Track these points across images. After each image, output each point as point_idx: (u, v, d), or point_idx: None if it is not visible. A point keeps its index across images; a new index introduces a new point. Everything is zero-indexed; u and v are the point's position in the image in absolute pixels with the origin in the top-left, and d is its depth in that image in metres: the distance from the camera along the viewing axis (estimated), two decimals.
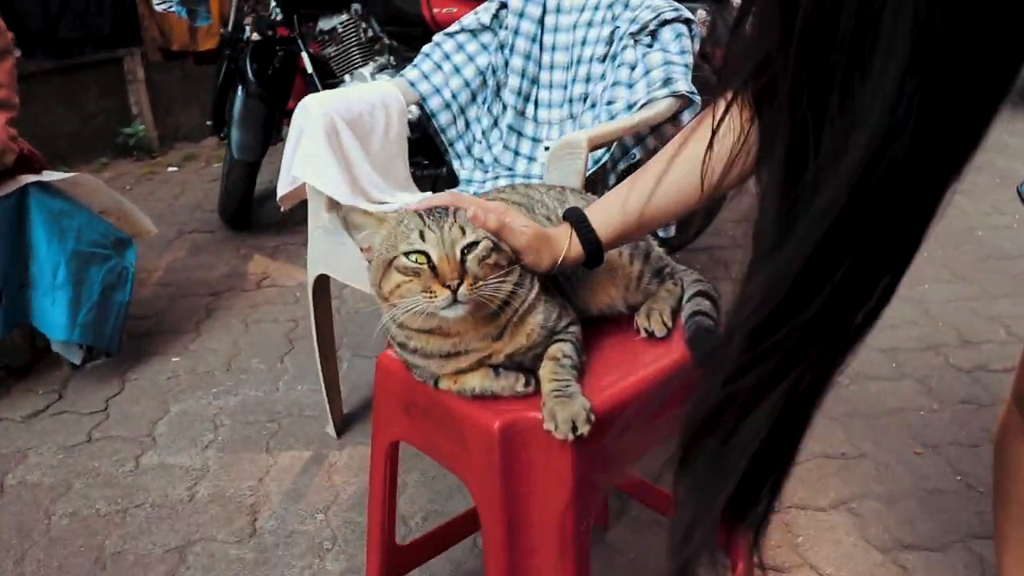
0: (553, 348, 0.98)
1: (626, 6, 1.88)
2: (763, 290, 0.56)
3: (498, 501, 0.96)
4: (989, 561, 1.54)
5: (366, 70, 2.88)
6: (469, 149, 2.09)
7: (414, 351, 0.98)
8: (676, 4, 1.79)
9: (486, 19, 2.03)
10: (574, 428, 0.91)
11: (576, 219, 0.99)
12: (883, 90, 0.44)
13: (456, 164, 2.10)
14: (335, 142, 1.81)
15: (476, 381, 0.97)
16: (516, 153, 2.05)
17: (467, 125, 2.08)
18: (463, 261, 0.89)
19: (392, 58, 2.89)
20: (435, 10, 2.69)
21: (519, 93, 2.01)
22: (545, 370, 0.97)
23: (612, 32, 1.87)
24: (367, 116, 1.90)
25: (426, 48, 2.07)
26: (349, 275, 1.72)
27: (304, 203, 1.92)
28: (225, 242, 3.29)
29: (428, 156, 2.62)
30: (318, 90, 2.99)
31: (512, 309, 0.94)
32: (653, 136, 1.72)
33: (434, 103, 2.03)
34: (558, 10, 1.99)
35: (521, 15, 1.99)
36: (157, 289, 2.84)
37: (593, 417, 0.92)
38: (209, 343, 2.49)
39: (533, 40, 2.00)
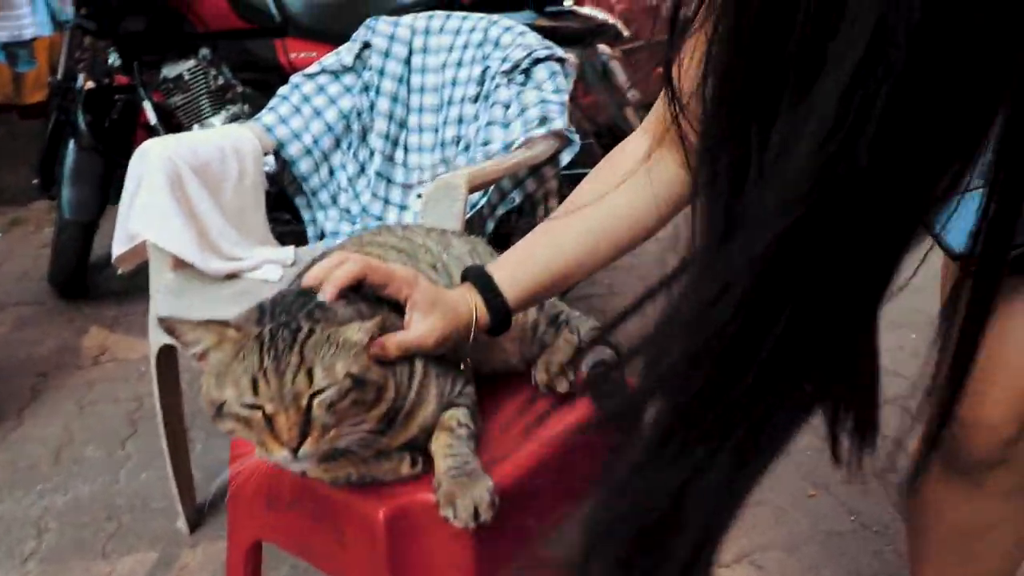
0: (446, 416, 0.84)
1: (496, 45, 1.80)
2: (691, 338, 0.46)
3: None
4: None
5: (217, 119, 2.67)
6: (334, 199, 1.93)
7: None
8: (548, 43, 1.73)
9: (348, 60, 1.90)
10: (476, 514, 0.76)
11: (481, 282, 0.86)
12: (838, 81, 0.38)
13: (320, 216, 1.94)
14: (179, 192, 1.61)
15: (352, 467, 0.81)
16: (386, 201, 1.90)
17: (331, 173, 1.92)
18: (308, 409, 0.72)
19: (246, 107, 2.70)
20: (292, 56, 2.53)
21: (387, 137, 1.88)
22: (438, 443, 0.82)
23: (483, 71, 1.78)
24: (217, 163, 1.71)
25: (282, 90, 1.91)
26: None
27: (147, 265, 1.70)
28: (56, 314, 2.93)
29: (289, 210, 2.44)
30: None
31: (395, 410, 0.79)
32: (532, 179, 1.64)
33: (293, 149, 1.86)
34: (425, 51, 1.89)
35: (387, 55, 1.88)
36: None
37: (497, 500, 0.78)
38: (34, 431, 2.16)
39: (400, 81, 1.89)
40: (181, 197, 1.61)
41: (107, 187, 2.86)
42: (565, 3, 2.36)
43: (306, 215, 1.98)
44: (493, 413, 0.93)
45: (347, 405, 0.73)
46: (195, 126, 2.70)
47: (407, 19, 1.92)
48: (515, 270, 0.87)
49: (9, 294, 3.08)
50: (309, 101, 1.89)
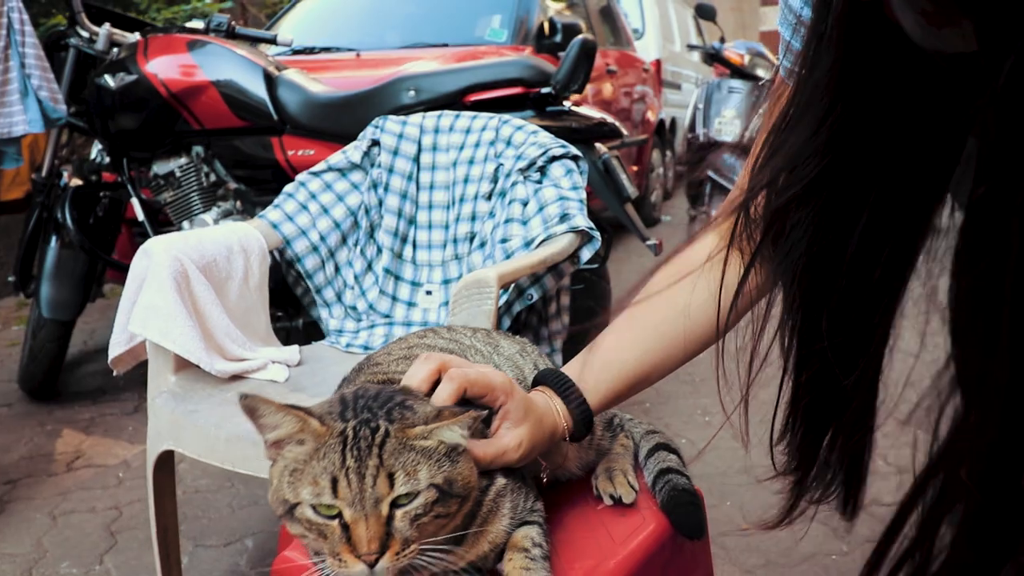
0: (519, 535, 0.77)
1: (508, 143, 1.80)
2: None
3: None
4: None
5: (208, 216, 2.63)
6: (339, 296, 1.88)
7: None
8: (562, 141, 1.73)
9: (356, 157, 1.89)
10: None
11: (563, 389, 0.81)
12: None
13: (324, 313, 1.88)
14: (185, 291, 1.55)
15: None
16: (394, 299, 1.86)
17: (337, 270, 1.88)
18: (389, 520, 0.66)
19: (239, 203, 2.67)
20: (290, 153, 2.53)
21: (396, 234, 1.85)
22: (513, 565, 0.75)
23: (496, 169, 1.78)
24: (223, 261, 1.66)
25: (289, 188, 1.88)
26: (203, 450, 1.41)
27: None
28: (26, 417, 2.78)
29: (281, 307, 2.39)
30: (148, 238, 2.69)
31: (467, 523, 0.72)
32: (551, 275, 1.61)
33: (299, 246, 1.82)
34: (434, 148, 1.89)
35: (395, 153, 1.87)
36: None
37: None
38: (3, 546, 1.99)
39: (409, 179, 1.87)
40: (186, 296, 1.55)
41: (88, 286, 2.79)
42: (565, 104, 2.40)
43: (311, 307, 1.93)
44: (560, 528, 0.86)
45: (430, 519, 0.68)
46: (185, 223, 2.66)
47: (415, 118, 1.93)
48: (596, 375, 0.83)
49: None
50: (316, 198, 1.86)
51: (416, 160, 1.89)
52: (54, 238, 2.71)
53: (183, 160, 2.66)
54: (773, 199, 0.62)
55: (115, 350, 1.61)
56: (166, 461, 1.54)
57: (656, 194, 6.83)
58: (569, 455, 0.93)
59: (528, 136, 1.78)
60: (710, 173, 5.37)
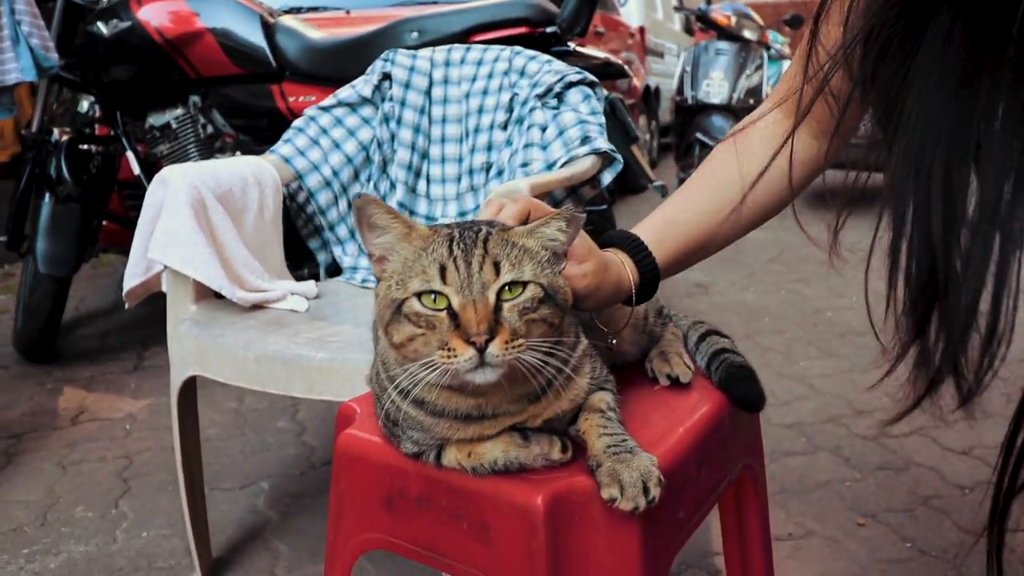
0: (595, 399, 0.77)
1: (522, 74, 1.79)
2: None
3: None
4: None
5: None
6: (352, 233, 1.86)
7: (421, 403, 0.72)
8: (577, 68, 1.72)
9: (367, 92, 1.86)
10: (645, 491, 0.69)
11: (629, 244, 0.83)
12: None
13: (338, 250, 1.86)
14: (203, 219, 1.52)
15: (499, 451, 0.73)
16: None
17: (350, 205, 1.86)
18: (497, 309, 0.67)
19: (238, 153, 2.63)
20: (291, 100, 2.49)
21: (410, 168, 1.84)
22: (590, 423, 0.75)
23: (511, 99, 1.76)
24: (239, 192, 1.64)
25: (298, 123, 1.86)
26: (232, 372, 1.40)
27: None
28: (24, 378, 2.73)
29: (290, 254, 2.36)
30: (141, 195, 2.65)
31: (557, 371, 0.72)
32: (571, 199, 1.60)
33: (312, 181, 1.80)
34: (446, 82, 1.87)
35: (407, 86, 1.85)
36: None
37: (663, 478, 0.70)
38: (14, 494, 1.97)
39: (421, 112, 1.86)
40: (204, 225, 1.53)
41: (85, 242, 2.74)
42: (569, 45, 2.39)
43: (320, 251, 1.91)
44: (623, 405, 0.86)
45: (535, 317, 0.68)
46: None
47: (426, 52, 1.90)
48: (662, 234, 0.83)
49: None
50: (327, 133, 1.84)
51: (428, 93, 1.87)
52: (47, 194, 2.65)
53: (179, 111, 2.62)
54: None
55: (130, 281, 1.59)
56: (189, 392, 1.53)
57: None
58: (624, 336, 0.93)
59: (543, 65, 1.77)
60: (698, 135, 5.38)
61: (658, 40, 8.61)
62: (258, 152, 2.54)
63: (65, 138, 2.69)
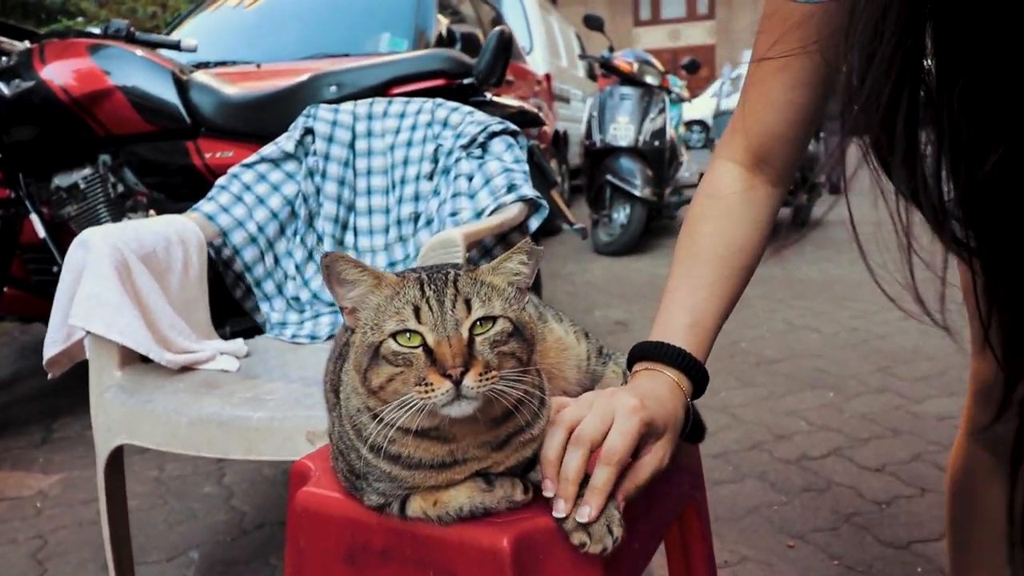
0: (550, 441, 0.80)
1: (445, 125, 1.84)
2: None
3: None
4: None
5: None
6: (280, 288, 1.85)
7: (395, 458, 0.73)
8: (499, 118, 1.78)
9: (289, 147, 1.87)
10: (610, 531, 0.72)
11: (679, 360, 0.86)
12: None
13: (265, 306, 1.85)
14: (127, 281, 1.49)
15: (465, 497, 0.75)
16: None
17: (276, 261, 1.85)
18: (470, 343, 0.70)
19: (152, 212, 2.57)
20: (207, 156, 2.47)
21: (336, 221, 1.85)
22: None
23: (436, 149, 1.81)
24: (162, 252, 1.61)
25: (221, 181, 1.85)
26: (164, 438, 1.36)
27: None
28: None
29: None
30: (54, 258, 2.55)
31: (523, 416, 0.75)
32: (500, 246, 1.64)
33: (237, 238, 1.79)
34: (369, 134, 1.90)
35: (330, 140, 1.87)
36: None
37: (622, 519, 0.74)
38: None
39: (345, 165, 1.88)
40: (129, 287, 1.50)
41: None
42: (486, 95, 2.45)
43: (247, 303, 1.89)
44: None
45: (506, 350, 0.71)
46: None
47: (347, 106, 1.93)
48: (699, 338, 0.89)
49: None
50: (251, 189, 1.83)
51: (352, 146, 1.89)
52: None
53: (87, 170, 2.55)
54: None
55: (51, 350, 1.53)
56: (117, 461, 1.48)
57: None
58: (569, 377, 0.97)
59: (465, 116, 1.82)
60: (608, 177, 5.56)
61: (564, 86, 8.88)
62: (174, 210, 2.49)
63: None
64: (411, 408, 0.68)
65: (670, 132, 5.85)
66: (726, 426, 2.58)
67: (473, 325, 0.70)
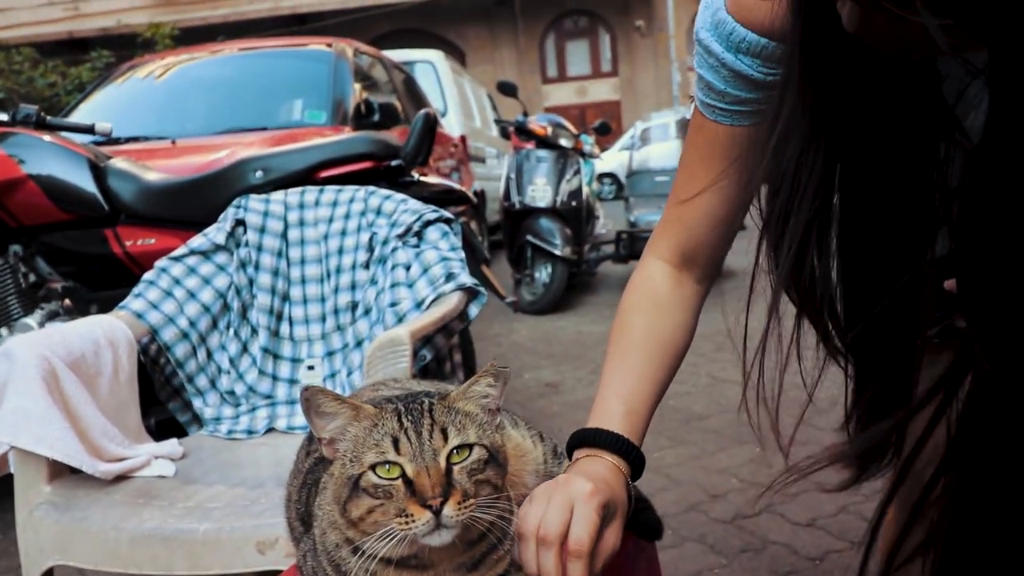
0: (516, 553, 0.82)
1: (378, 213, 1.86)
2: None
3: None
4: None
5: (32, 319, 2.42)
6: (214, 382, 1.82)
7: None
8: (432, 206, 1.82)
9: (220, 239, 1.86)
10: None
11: (618, 446, 0.90)
12: None
13: (198, 402, 1.80)
14: (55, 391, 1.45)
15: None
16: (274, 378, 1.83)
17: (209, 355, 1.82)
18: (448, 472, 0.72)
19: (65, 302, 2.48)
20: (128, 244, 2.41)
21: (271, 312, 1.84)
22: None
23: (371, 238, 1.83)
24: (91, 356, 1.57)
25: (148, 275, 1.81)
26: (102, 557, 1.31)
27: None
28: None
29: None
30: None
31: (495, 537, 0.77)
32: (441, 335, 1.66)
33: (168, 335, 1.75)
34: (302, 224, 1.91)
35: (262, 231, 1.87)
36: None
37: None
38: None
39: (279, 256, 1.87)
40: (57, 397, 1.45)
41: None
42: (413, 176, 2.49)
43: (172, 403, 1.84)
44: None
45: (482, 478, 0.73)
46: (2, 330, 2.43)
47: (278, 195, 1.94)
48: (634, 424, 0.94)
49: None
50: (180, 283, 1.81)
51: (284, 236, 1.89)
52: None
53: None
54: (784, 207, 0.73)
55: None
56: None
57: None
58: (528, 484, 0.99)
59: (398, 204, 1.85)
60: (529, 237, 5.67)
61: (479, 145, 9.04)
62: (92, 300, 2.43)
63: None
64: (392, 539, 0.69)
65: (585, 191, 6.02)
66: (663, 488, 2.63)
67: (450, 454, 0.72)
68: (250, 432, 1.75)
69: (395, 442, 0.72)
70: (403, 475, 0.71)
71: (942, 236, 0.68)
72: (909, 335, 0.73)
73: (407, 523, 0.69)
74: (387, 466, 0.71)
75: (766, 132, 0.73)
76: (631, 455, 0.91)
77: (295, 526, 0.90)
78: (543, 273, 5.71)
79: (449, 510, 0.70)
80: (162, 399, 1.83)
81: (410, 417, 0.73)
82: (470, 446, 0.74)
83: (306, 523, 0.86)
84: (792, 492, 2.60)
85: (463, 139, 7.78)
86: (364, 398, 0.99)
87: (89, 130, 2.70)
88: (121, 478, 1.48)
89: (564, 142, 5.98)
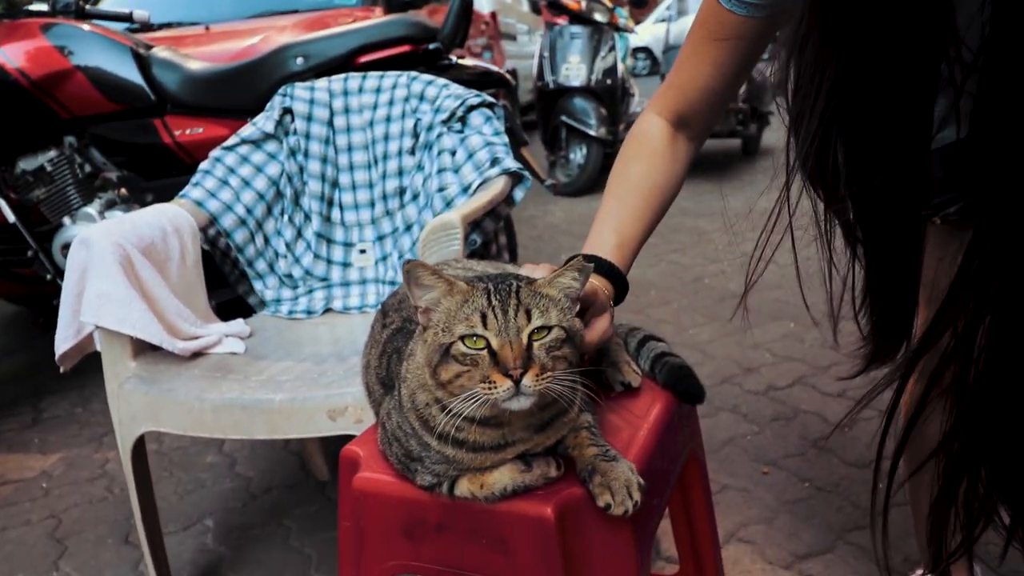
0: (581, 419, 0.91)
1: (421, 99, 1.89)
2: None
3: None
4: (869, 549, 1.71)
5: (91, 208, 2.53)
6: (272, 266, 1.92)
7: (460, 443, 0.84)
8: (475, 91, 1.84)
9: (269, 127, 1.91)
10: (630, 495, 0.84)
11: (605, 270, 1.04)
12: None
13: (259, 285, 1.91)
14: (132, 276, 1.55)
15: (508, 479, 0.86)
16: (329, 261, 1.92)
17: (266, 240, 1.91)
18: (529, 347, 0.80)
19: (122, 191, 2.58)
20: (176, 133, 2.47)
21: (322, 198, 1.91)
22: (580, 438, 0.88)
23: (415, 124, 1.86)
24: (160, 243, 1.66)
25: (204, 165, 1.88)
26: (189, 423, 1.45)
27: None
28: None
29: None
30: (29, 247, 2.55)
31: (565, 404, 0.85)
32: (489, 219, 1.73)
33: (228, 221, 1.84)
34: (347, 111, 1.94)
35: (309, 119, 1.91)
36: None
37: (642, 480, 0.86)
38: None
39: (327, 143, 1.92)
40: (134, 280, 1.55)
41: None
42: (452, 59, 2.49)
43: (241, 287, 1.95)
44: None
45: (560, 354, 0.81)
46: (65, 219, 2.55)
47: (322, 83, 1.97)
48: (624, 255, 1.08)
49: None
50: (235, 172, 1.88)
51: (330, 124, 1.94)
52: None
53: (53, 153, 2.53)
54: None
55: (63, 345, 1.58)
56: (140, 448, 1.56)
57: None
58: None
59: (440, 89, 1.87)
60: (563, 118, 5.61)
61: (509, 21, 8.78)
62: (147, 188, 2.52)
63: None
64: (476, 401, 0.78)
65: (620, 68, 5.89)
66: (697, 363, 2.73)
67: (532, 332, 0.80)
68: (309, 312, 1.85)
69: (483, 317, 0.79)
70: (488, 347, 0.79)
71: (946, 127, 0.72)
72: (914, 211, 0.80)
73: (490, 389, 0.77)
74: (475, 338, 0.79)
75: (782, 33, 0.78)
76: (618, 281, 1.06)
77: (375, 389, 0.99)
78: (578, 154, 5.68)
79: (528, 380, 0.78)
80: (229, 282, 1.93)
81: (498, 296, 0.81)
82: (550, 328, 0.81)
83: (387, 386, 0.95)
84: (823, 365, 2.70)
85: (493, 16, 7.56)
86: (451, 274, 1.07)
87: (127, 18, 2.71)
88: (197, 355, 1.61)
89: (598, 16, 5.80)
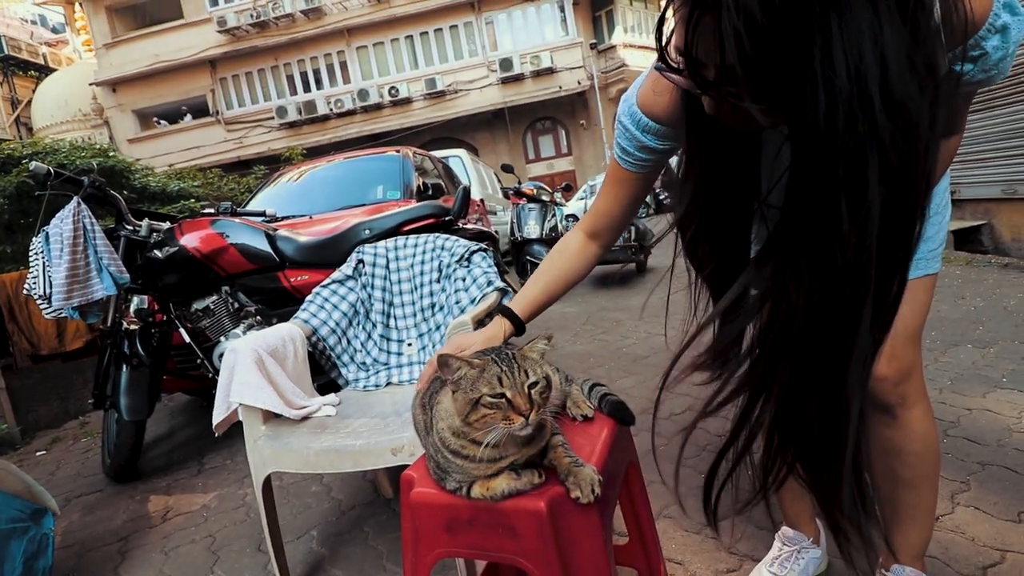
0: (555, 439, 0.85)
1: (442, 249, 1.90)
2: None
3: (555, 566, 0.76)
4: (756, 514, 1.59)
5: (239, 330, 2.47)
6: (352, 358, 1.86)
7: (467, 458, 0.78)
8: (475, 242, 1.86)
9: (349, 271, 1.90)
10: (593, 490, 0.78)
11: (508, 315, 1.03)
12: None
13: (344, 371, 1.84)
14: (263, 369, 1.49)
15: (505, 484, 0.80)
16: (388, 352, 1.87)
17: (348, 342, 1.86)
18: (530, 396, 0.77)
19: (258, 318, 2.53)
20: (292, 280, 2.45)
21: (383, 313, 1.88)
22: (557, 452, 0.83)
23: (439, 264, 1.86)
24: (281, 348, 1.61)
25: (309, 297, 1.86)
26: (300, 464, 1.35)
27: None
28: (118, 495, 2.41)
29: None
30: (199, 357, 2.48)
31: (547, 427, 0.82)
32: (488, 318, 1.70)
33: (324, 331, 1.79)
34: (397, 259, 1.95)
35: (374, 265, 1.91)
36: (60, 553, 1.93)
37: (601, 478, 0.80)
38: None
39: (385, 279, 1.91)
40: (264, 372, 1.49)
41: (153, 394, 2.50)
42: (459, 224, 2.53)
43: (332, 373, 1.88)
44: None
45: (546, 395, 0.78)
46: (221, 339, 2.48)
47: (380, 245, 1.98)
48: (527, 309, 1.05)
49: (71, 490, 2.49)
50: (328, 300, 1.85)
51: (387, 267, 1.93)
52: (124, 366, 2.42)
53: (214, 297, 2.50)
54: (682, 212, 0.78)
55: (218, 417, 1.50)
56: (267, 484, 1.45)
57: None
58: (553, 399, 1.03)
59: (454, 243, 1.89)
60: (528, 257, 5.69)
61: (491, 204, 9.06)
62: (273, 315, 2.46)
63: (134, 326, 2.49)
64: (498, 433, 0.75)
65: (560, 226, 6.04)
66: (626, 400, 2.65)
67: (531, 384, 0.76)
68: (376, 386, 1.78)
69: (500, 379, 0.76)
70: (504, 396, 0.75)
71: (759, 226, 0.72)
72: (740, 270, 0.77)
73: (509, 424, 0.74)
74: (496, 395, 0.76)
75: (667, 171, 0.81)
76: (518, 325, 1.03)
77: (420, 430, 0.94)
78: None
79: (532, 417, 0.75)
80: (325, 370, 1.87)
81: (505, 364, 0.78)
82: (539, 380, 0.78)
83: (428, 429, 0.90)
84: (704, 395, 2.63)
85: (482, 201, 7.80)
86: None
87: (262, 214, 2.75)
88: (304, 418, 1.52)
89: (544, 197, 6.01)
